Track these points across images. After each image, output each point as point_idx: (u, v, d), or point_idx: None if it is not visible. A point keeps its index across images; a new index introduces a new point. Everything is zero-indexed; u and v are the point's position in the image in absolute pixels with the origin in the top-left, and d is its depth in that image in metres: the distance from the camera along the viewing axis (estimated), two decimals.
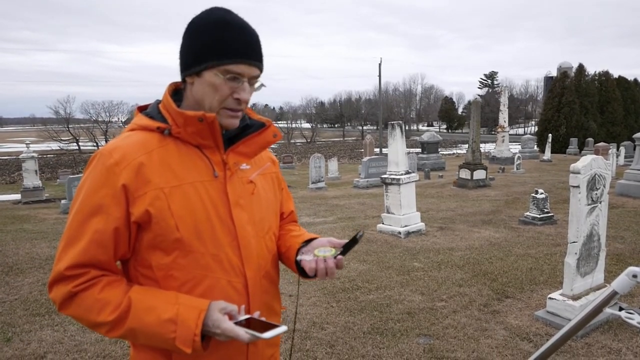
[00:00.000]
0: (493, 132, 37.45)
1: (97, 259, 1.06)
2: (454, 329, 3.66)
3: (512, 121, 63.43)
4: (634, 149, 10.21)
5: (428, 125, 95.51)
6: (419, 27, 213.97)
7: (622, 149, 21.02)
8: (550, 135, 23.70)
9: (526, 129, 74.77)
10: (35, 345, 3.52)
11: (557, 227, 7.04)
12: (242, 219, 1.16)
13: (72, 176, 12.47)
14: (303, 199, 11.72)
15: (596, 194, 3.76)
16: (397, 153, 7.09)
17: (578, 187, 3.62)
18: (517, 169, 15.92)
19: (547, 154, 21.32)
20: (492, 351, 3.29)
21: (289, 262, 1.30)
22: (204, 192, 1.11)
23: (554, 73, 36.52)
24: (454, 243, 6.35)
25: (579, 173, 3.61)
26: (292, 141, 63.88)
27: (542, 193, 7.39)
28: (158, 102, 1.19)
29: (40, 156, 23.41)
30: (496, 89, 79.24)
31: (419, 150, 21.55)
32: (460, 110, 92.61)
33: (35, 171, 14.73)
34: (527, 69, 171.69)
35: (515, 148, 24.50)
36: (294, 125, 77.51)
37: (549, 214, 7.35)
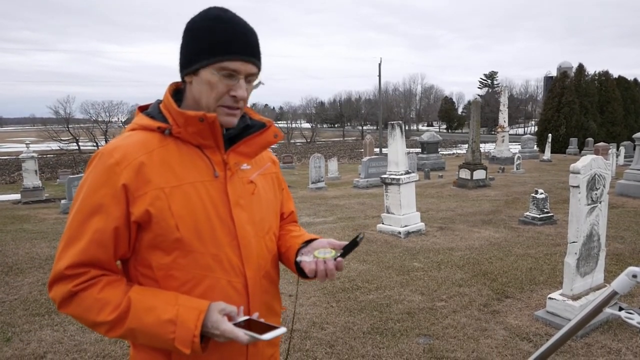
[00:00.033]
0: (493, 132, 37.46)
1: (97, 259, 1.06)
2: (454, 329, 3.66)
3: (512, 121, 63.45)
4: (634, 149, 10.21)
5: (428, 125, 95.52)
6: (419, 27, 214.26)
7: (622, 149, 21.02)
8: (550, 135, 23.69)
9: (526, 129, 74.78)
10: (35, 345, 3.52)
11: (557, 227, 7.04)
12: (242, 219, 1.16)
13: (72, 176, 12.47)
14: (303, 199, 11.72)
15: (596, 194, 3.76)
16: (397, 153, 7.09)
17: (578, 187, 3.62)
18: (517, 169, 15.93)
19: (547, 154, 21.32)
20: (492, 351, 3.29)
21: (288, 263, 1.30)
22: (204, 192, 1.11)
23: (554, 73, 36.55)
24: (454, 243, 6.35)
25: (578, 173, 3.61)
26: (292, 141, 63.89)
27: (542, 193, 7.39)
28: (159, 102, 1.19)
29: (40, 156, 23.42)
30: (496, 89, 79.25)
31: (418, 150, 21.55)
32: (460, 110, 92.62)
33: (35, 171, 14.73)
34: (527, 69, 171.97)
35: (515, 148, 24.50)
36: (294, 125, 77.52)
37: (549, 214, 7.36)
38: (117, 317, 1.03)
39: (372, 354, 3.29)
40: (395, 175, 6.97)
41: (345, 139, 73.34)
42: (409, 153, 14.97)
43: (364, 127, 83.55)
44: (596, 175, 3.73)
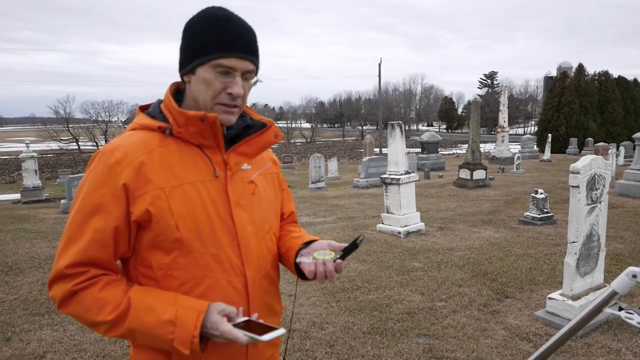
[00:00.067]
0: (493, 132, 37.43)
1: (97, 258, 1.06)
2: (454, 329, 3.66)
3: (512, 121, 63.45)
4: (634, 149, 10.21)
5: (428, 125, 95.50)
6: (419, 27, 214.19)
7: (622, 149, 21.02)
8: (550, 135, 23.70)
9: (526, 129, 74.75)
10: (35, 345, 3.52)
11: (557, 227, 7.05)
12: (242, 219, 1.16)
13: (71, 176, 12.47)
14: (303, 199, 11.72)
15: (596, 194, 3.76)
16: (397, 153, 7.09)
17: (578, 187, 3.62)
18: (517, 169, 15.93)
19: (547, 154, 21.33)
20: (491, 351, 3.29)
21: (288, 264, 1.30)
22: (204, 191, 1.11)
23: (554, 73, 36.53)
24: (454, 243, 6.36)
25: (578, 173, 3.61)
26: (292, 141, 63.88)
27: (541, 193, 7.39)
28: (160, 101, 1.19)
29: (40, 156, 23.41)
30: (496, 89, 79.23)
31: (418, 150, 21.54)
32: (460, 110, 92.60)
33: (35, 171, 14.72)
34: (527, 69, 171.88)
35: (515, 148, 24.51)
36: (294, 125, 77.52)
37: (549, 214, 7.36)
38: (116, 316, 1.03)
39: (372, 354, 3.29)
40: (395, 175, 6.97)
41: (345, 139, 73.34)
42: (409, 153, 14.97)
43: (364, 127, 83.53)
44: (596, 175, 3.73)
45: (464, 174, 12.59)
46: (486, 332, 3.60)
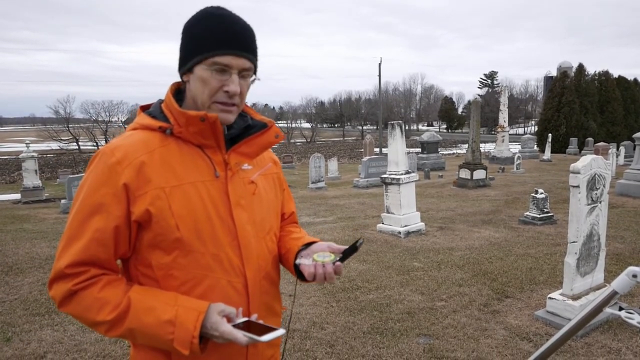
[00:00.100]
0: (493, 132, 37.45)
1: (98, 258, 1.06)
2: (454, 328, 3.66)
3: (512, 121, 63.44)
4: (634, 149, 10.21)
5: (428, 125, 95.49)
6: (419, 27, 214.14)
7: (622, 149, 21.01)
8: (550, 135, 23.70)
9: (526, 128, 74.78)
10: (35, 345, 3.52)
11: (557, 227, 7.05)
12: (242, 219, 1.16)
13: (72, 176, 12.47)
14: (303, 199, 11.72)
15: (596, 193, 3.76)
16: (397, 153, 7.09)
17: (578, 187, 3.62)
18: (517, 168, 15.93)
19: (547, 154, 21.33)
20: (491, 351, 3.29)
21: (287, 265, 1.30)
22: (204, 191, 1.11)
23: (554, 73, 36.51)
24: (454, 243, 6.36)
25: (578, 173, 3.61)
26: (292, 141, 63.88)
27: (542, 193, 7.39)
28: (161, 101, 1.19)
29: (40, 156, 23.42)
30: (496, 88, 79.24)
31: (419, 150, 21.55)
32: (460, 110, 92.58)
33: (35, 171, 14.72)
34: (527, 68, 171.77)
35: (515, 148, 24.51)
36: (294, 125, 77.51)
37: (549, 214, 7.36)
38: (116, 316, 1.03)
39: (372, 354, 3.29)
40: (395, 175, 6.97)
41: (345, 138, 73.33)
42: (409, 153, 14.97)
43: (364, 127, 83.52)
44: (596, 175, 3.73)
45: (464, 173, 12.59)
46: (486, 332, 3.60)
